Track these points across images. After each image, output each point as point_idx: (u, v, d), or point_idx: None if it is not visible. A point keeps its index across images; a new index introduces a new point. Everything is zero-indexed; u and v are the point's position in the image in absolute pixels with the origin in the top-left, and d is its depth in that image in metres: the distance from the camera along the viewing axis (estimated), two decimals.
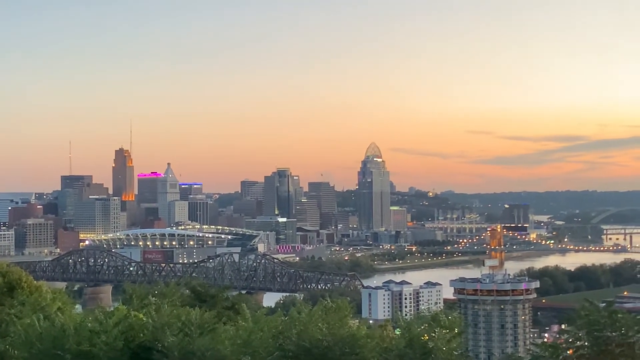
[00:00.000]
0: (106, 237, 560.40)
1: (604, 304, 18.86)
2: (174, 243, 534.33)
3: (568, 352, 18.44)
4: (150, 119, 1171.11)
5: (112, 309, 23.70)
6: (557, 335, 20.24)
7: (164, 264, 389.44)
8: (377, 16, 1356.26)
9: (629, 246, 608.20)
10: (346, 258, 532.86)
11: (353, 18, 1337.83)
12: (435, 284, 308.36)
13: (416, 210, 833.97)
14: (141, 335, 21.55)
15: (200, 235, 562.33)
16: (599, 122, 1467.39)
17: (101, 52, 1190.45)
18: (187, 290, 30.42)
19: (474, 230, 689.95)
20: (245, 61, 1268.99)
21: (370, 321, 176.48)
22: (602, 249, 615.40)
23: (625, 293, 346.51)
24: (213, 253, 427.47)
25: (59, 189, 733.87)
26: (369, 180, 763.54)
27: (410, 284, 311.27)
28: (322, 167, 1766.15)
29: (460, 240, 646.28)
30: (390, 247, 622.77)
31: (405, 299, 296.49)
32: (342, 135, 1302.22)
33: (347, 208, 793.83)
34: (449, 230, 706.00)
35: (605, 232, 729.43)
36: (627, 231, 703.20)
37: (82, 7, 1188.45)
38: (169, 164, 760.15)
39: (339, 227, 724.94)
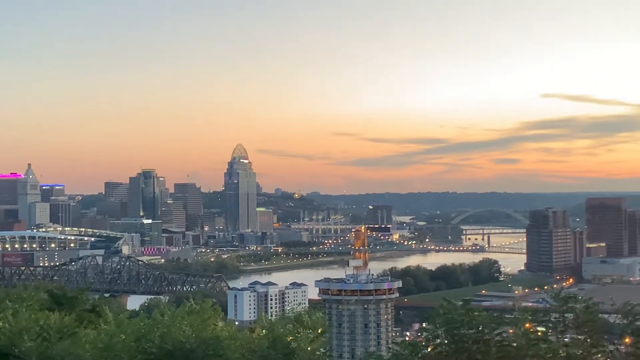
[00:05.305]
0: None
1: (462, 303, 19.36)
2: (34, 245, 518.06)
3: (428, 349, 18.83)
4: (9, 118, 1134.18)
5: None
6: (418, 334, 20.72)
7: (24, 267, 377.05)
8: (240, 18, 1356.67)
9: (486, 246, 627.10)
10: (212, 259, 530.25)
11: (216, 19, 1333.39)
12: (300, 284, 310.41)
13: (282, 211, 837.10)
14: None
15: (62, 237, 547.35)
16: (459, 125, 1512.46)
17: None
18: (45, 294, 29.63)
19: (338, 231, 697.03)
20: (108, 60, 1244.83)
21: (236, 322, 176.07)
22: (461, 248, 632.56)
23: (483, 292, 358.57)
24: (75, 255, 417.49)
25: None
26: (236, 181, 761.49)
27: (276, 285, 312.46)
28: (188, 168, 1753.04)
29: (326, 241, 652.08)
30: (256, 248, 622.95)
31: (271, 299, 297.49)
32: (208, 137, 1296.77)
33: (214, 209, 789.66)
34: (314, 231, 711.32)
35: (464, 232, 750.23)
36: (485, 231, 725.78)
37: None
38: (29, 164, 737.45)
39: (205, 229, 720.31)
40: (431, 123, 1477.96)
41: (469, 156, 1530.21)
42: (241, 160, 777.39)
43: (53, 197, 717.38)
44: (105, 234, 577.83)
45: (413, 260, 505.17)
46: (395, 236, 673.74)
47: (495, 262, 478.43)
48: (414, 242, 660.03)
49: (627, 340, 18.26)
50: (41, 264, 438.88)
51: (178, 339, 19.50)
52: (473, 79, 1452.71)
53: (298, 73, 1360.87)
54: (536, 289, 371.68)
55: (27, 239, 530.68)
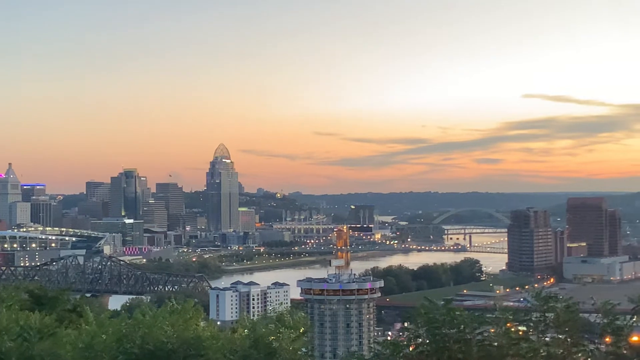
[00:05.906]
0: None
1: (443, 302, 19.42)
2: (15, 245, 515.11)
3: (409, 349, 18.88)
4: None
5: None
6: (400, 333, 20.77)
7: (5, 268, 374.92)
8: (224, 19, 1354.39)
9: (468, 245, 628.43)
10: (194, 259, 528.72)
11: (199, 20, 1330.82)
12: (282, 284, 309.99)
13: (264, 211, 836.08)
14: None
15: (43, 237, 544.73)
16: (440, 125, 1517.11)
17: None
18: (25, 294, 29.45)
19: (321, 231, 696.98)
20: (90, 60, 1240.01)
21: (218, 323, 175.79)
22: (443, 248, 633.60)
23: (465, 291, 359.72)
24: (57, 255, 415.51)
25: None
26: (218, 181, 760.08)
27: (258, 284, 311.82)
28: (170, 168, 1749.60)
29: (308, 241, 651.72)
30: (238, 248, 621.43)
31: (253, 299, 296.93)
32: (190, 136, 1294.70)
33: (196, 209, 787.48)
34: (296, 231, 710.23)
35: (446, 232, 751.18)
36: (466, 231, 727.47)
37: None
38: (10, 164, 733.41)
39: (187, 229, 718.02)
40: (413, 123, 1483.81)
41: (450, 156, 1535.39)
42: (223, 160, 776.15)
43: (34, 197, 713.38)
44: (86, 234, 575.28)
45: (395, 260, 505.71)
46: (377, 236, 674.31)
47: (477, 261, 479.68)
48: (395, 241, 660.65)
49: (607, 339, 18.39)
50: (22, 264, 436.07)
51: (159, 339, 19.43)
52: (455, 79, 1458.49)
53: (281, 73, 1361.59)
54: (517, 288, 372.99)
55: (7, 239, 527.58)
